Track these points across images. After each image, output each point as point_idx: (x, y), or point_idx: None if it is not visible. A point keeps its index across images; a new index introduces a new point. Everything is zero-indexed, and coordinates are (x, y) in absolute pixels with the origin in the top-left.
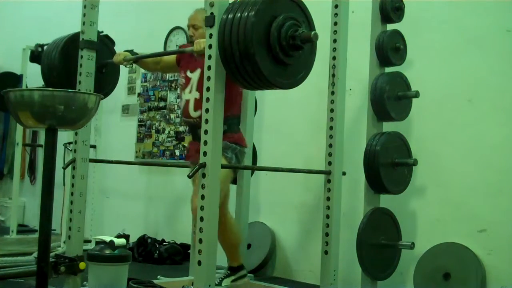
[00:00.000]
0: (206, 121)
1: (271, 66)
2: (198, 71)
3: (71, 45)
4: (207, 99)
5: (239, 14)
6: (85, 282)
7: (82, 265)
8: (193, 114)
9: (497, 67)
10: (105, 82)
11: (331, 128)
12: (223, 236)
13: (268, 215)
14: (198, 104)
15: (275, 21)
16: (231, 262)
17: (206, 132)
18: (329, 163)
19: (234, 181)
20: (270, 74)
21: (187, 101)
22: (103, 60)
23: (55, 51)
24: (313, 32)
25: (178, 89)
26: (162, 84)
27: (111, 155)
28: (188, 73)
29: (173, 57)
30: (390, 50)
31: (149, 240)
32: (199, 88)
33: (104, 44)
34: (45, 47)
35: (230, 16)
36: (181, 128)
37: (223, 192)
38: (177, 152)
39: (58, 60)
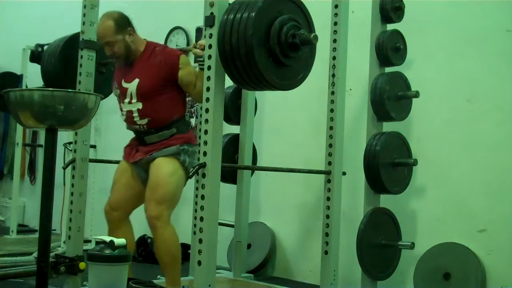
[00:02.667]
0: (206, 121)
1: (270, 67)
2: (136, 81)
3: (71, 45)
4: (207, 99)
5: (239, 15)
6: (85, 282)
7: (82, 265)
8: (140, 121)
9: (497, 67)
10: (105, 82)
11: (331, 128)
12: (164, 246)
13: (268, 215)
14: (143, 113)
15: (275, 22)
16: (173, 282)
17: (206, 132)
18: (329, 163)
19: (234, 181)
20: (270, 75)
21: (129, 112)
22: (103, 60)
23: (55, 51)
24: (313, 34)
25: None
26: None
27: (111, 155)
28: (124, 84)
29: None
30: (390, 50)
31: (149, 240)
32: (140, 98)
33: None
34: (45, 47)
35: (230, 16)
36: None
37: (174, 203)
38: None
39: (58, 60)
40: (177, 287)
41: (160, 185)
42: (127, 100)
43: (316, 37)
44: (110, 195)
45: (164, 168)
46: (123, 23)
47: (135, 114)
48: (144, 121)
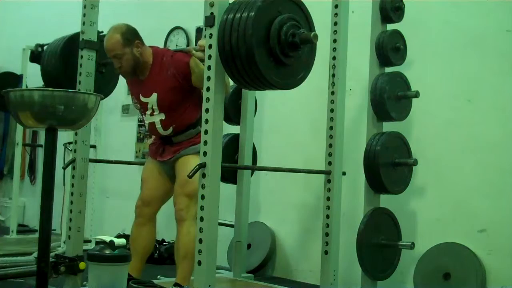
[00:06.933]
0: (206, 121)
1: (270, 67)
2: (155, 95)
3: (71, 45)
4: (207, 99)
5: (239, 14)
6: (85, 282)
7: (82, 265)
8: (165, 132)
9: (497, 67)
10: (105, 82)
11: (331, 128)
12: (185, 239)
13: (268, 215)
14: (166, 123)
15: (275, 22)
16: (182, 277)
17: (206, 132)
18: (329, 163)
19: (234, 181)
20: (270, 75)
21: (152, 124)
22: (103, 60)
23: (55, 51)
24: (312, 33)
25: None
26: None
27: (111, 155)
28: (142, 98)
29: None
30: (390, 50)
31: None
32: (162, 108)
33: (101, 41)
34: (45, 47)
35: (230, 16)
36: None
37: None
38: None
39: (58, 60)
40: (186, 283)
41: (190, 180)
42: (148, 112)
43: (316, 36)
44: (142, 191)
45: (192, 164)
46: (130, 36)
47: (158, 126)
48: (169, 131)
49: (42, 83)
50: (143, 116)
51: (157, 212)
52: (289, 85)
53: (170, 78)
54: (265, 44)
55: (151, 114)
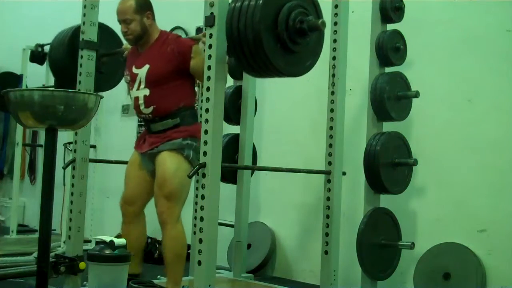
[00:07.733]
0: (206, 121)
1: (278, 53)
2: (146, 67)
3: (77, 38)
4: (207, 99)
5: (247, 2)
6: (85, 282)
7: (82, 265)
8: (145, 110)
9: (497, 67)
10: (105, 78)
11: (331, 128)
12: (170, 243)
13: (268, 215)
14: (148, 100)
15: (284, 8)
16: (174, 281)
17: (206, 132)
18: (329, 163)
19: (234, 181)
20: (277, 61)
21: (136, 98)
22: (108, 51)
23: (61, 45)
24: (321, 20)
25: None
26: None
27: (111, 155)
28: (134, 69)
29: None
30: (390, 50)
31: (149, 240)
32: (148, 84)
33: (109, 32)
34: (45, 47)
35: (238, 4)
36: None
37: (183, 198)
38: None
39: (66, 49)
40: (178, 286)
41: (167, 181)
42: (136, 86)
43: (324, 23)
44: (124, 189)
45: (168, 164)
46: (144, 5)
47: (141, 102)
48: (149, 110)
49: (42, 83)
50: (130, 90)
51: (142, 209)
52: (297, 73)
53: (167, 53)
54: (273, 30)
55: (138, 89)
